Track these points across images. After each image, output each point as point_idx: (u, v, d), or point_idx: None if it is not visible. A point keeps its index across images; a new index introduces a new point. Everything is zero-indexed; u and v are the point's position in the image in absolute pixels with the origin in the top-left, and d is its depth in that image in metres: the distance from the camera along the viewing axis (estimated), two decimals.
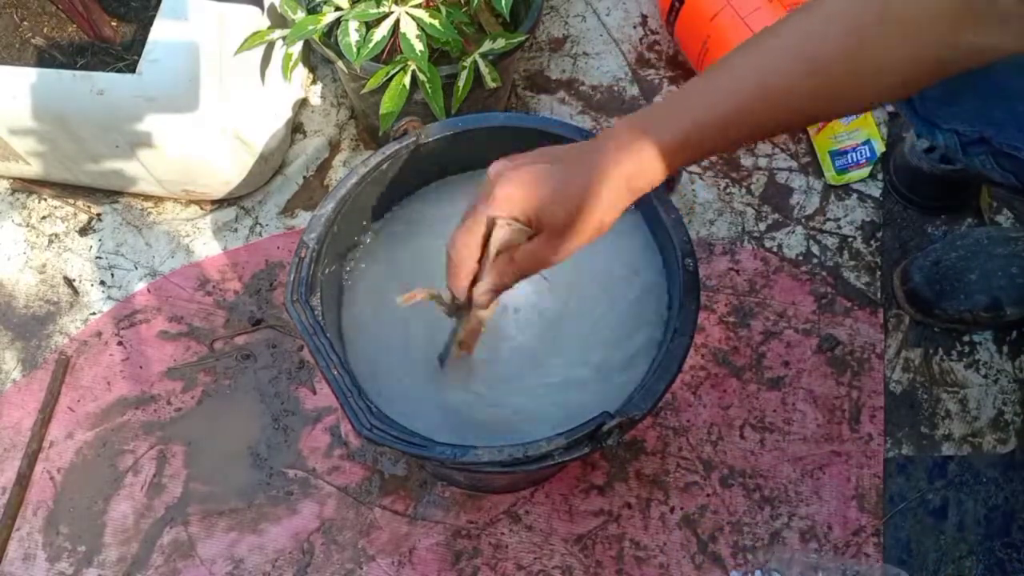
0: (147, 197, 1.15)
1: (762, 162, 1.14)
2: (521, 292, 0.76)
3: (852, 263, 1.06)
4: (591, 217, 0.57)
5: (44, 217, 1.15)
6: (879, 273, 1.06)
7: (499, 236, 0.58)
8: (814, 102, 0.55)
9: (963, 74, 0.65)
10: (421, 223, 0.85)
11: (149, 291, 1.09)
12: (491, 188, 0.58)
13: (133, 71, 0.96)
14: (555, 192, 0.57)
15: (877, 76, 0.53)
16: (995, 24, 0.49)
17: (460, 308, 0.67)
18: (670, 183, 1.12)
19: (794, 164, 1.14)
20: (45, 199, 1.16)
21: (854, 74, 0.53)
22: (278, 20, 1.08)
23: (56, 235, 1.14)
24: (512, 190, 0.57)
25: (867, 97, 0.56)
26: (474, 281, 0.61)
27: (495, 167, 0.59)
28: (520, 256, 0.59)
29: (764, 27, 0.57)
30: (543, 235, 0.58)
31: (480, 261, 0.60)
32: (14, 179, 1.17)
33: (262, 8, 1.06)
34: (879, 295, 1.04)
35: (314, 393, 1.01)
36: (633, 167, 0.57)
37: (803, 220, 1.10)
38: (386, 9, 0.95)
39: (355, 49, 0.94)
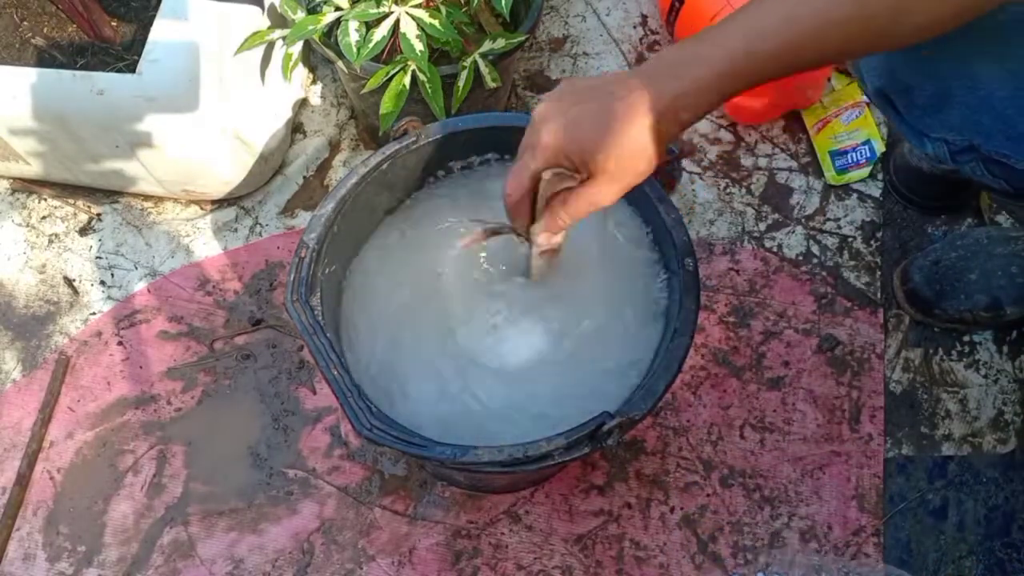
0: (147, 197, 1.15)
1: (762, 162, 1.14)
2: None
3: (852, 263, 1.06)
4: (639, 156, 0.57)
5: (44, 217, 1.15)
6: (879, 273, 1.06)
7: (544, 188, 0.60)
8: (857, 35, 0.54)
9: (950, 82, 0.65)
10: (421, 222, 0.85)
11: (149, 291, 1.09)
12: (536, 134, 0.59)
13: (133, 71, 0.96)
14: (599, 135, 0.56)
15: (923, 7, 0.52)
16: None
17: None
18: (670, 183, 1.12)
19: (794, 164, 1.14)
20: (45, 199, 1.16)
21: (902, 3, 0.52)
22: (278, 20, 1.08)
23: (56, 235, 1.14)
24: (556, 138, 0.58)
25: (913, 29, 0.54)
26: (532, 219, 0.63)
27: (540, 110, 0.60)
28: (572, 199, 0.60)
29: None
30: (593, 178, 0.58)
31: (534, 203, 0.62)
32: (14, 179, 1.17)
33: (262, 8, 1.06)
34: (879, 295, 1.04)
35: (314, 393, 1.01)
36: (675, 99, 0.56)
37: (803, 220, 1.10)
38: (386, 9, 0.95)
39: (355, 49, 0.94)
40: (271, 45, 1.09)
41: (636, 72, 0.58)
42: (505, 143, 0.83)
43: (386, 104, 0.97)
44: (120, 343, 1.05)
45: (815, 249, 1.08)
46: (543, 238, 0.64)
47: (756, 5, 0.56)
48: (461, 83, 0.98)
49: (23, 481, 0.97)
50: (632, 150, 0.56)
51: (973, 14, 0.53)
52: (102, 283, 1.10)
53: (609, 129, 0.56)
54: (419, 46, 0.94)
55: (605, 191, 0.59)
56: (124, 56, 1.02)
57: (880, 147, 1.12)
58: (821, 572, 0.81)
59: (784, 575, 0.82)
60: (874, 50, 0.61)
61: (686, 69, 0.56)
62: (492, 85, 1.00)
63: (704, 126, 1.17)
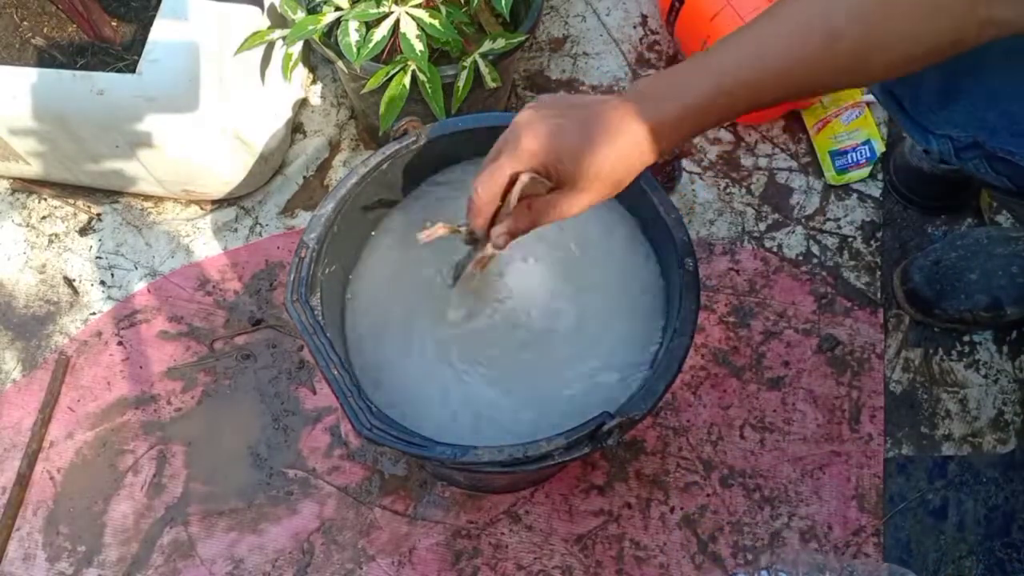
0: (147, 197, 1.15)
1: (762, 162, 1.14)
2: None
3: (852, 263, 1.06)
4: (611, 175, 0.58)
5: (44, 217, 1.15)
6: (879, 273, 1.06)
7: (520, 188, 0.60)
8: (826, 72, 0.55)
9: (956, 79, 0.65)
10: (420, 223, 0.85)
11: (149, 291, 1.09)
12: (517, 138, 0.59)
13: (133, 71, 0.96)
14: (577, 149, 0.58)
15: (895, 47, 0.53)
16: None
17: (477, 241, 0.69)
18: (670, 183, 1.12)
19: (794, 164, 1.14)
20: (45, 199, 1.16)
21: (869, 45, 0.53)
22: (278, 20, 1.08)
23: (56, 235, 1.14)
24: (537, 143, 0.59)
25: (881, 70, 0.56)
26: (493, 222, 0.64)
27: (523, 115, 0.61)
28: (538, 206, 0.61)
29: None
30: (563, 189, 0.60)
31: (500, 205, 0.62)
32: (14, 179, 1.17)
33: (262, 8, 1.06)
34: (879, 295, 1.04)
35: (314, 393, 1.01)
36: (654, 128, 0.58)
37: (803, 220, 1.10)
38: (386, 9, 0.95)
39: (355, 49, 0.94)
40: (271, 45, 1.09)
41: (617, 96, 0.60)
42: None
43: (386, 104, 0.97)
44: (120, 343, 1.05)
45: (815, 249, 1.08)
46: (502, 240, 0.64)
47: (727, 42, 0.57)
48: (461, 83, 0.98)
49: (23, 481, 0.97)
50: (609, 167, 0.58)
51: (948, 53, 0.54)
52: (102, 283, 1.10)
53: (592, 142, 0.58)
54: (419, 46, 0.94)
55: (574, 201, 0.60)
56: (124, 56, 1.02)
57: (880, 147, 1.12)
58: (824, 571, 0.81)
59: (787, 573, 0.82)
60: (847, 85, 0.63)
61: (662, 101, 0.57)
62: (492, 85, 1.00)
63: None
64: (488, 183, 0.61)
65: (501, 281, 0.78)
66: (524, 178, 0.59)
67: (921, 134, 0.70)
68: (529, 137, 0.59)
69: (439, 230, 0.70)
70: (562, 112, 0.60)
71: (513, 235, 0.63)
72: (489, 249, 0.68)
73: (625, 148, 0.58)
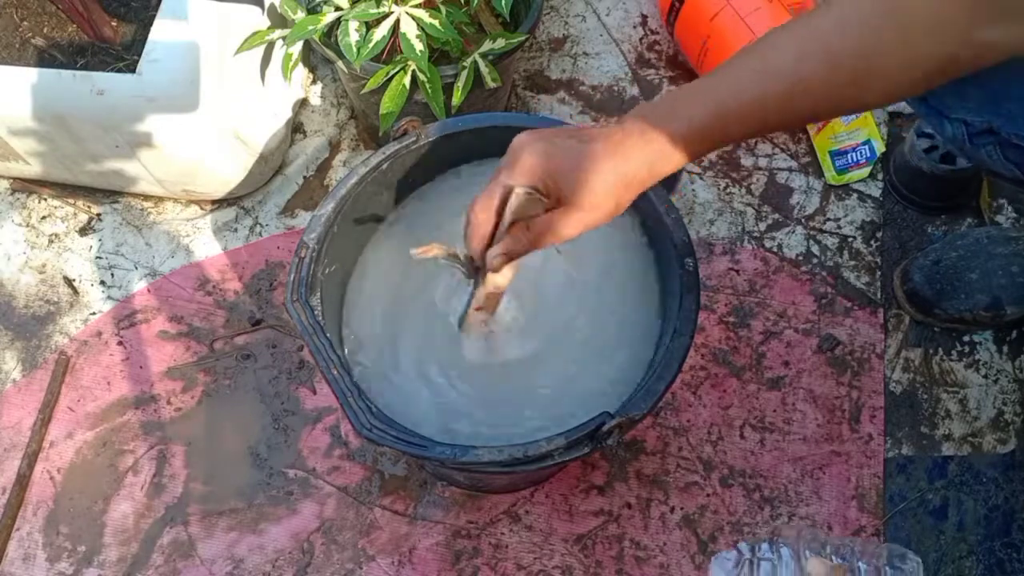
0: (147, 197, 1.15)
1: (762, 162, 1.14)
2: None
3: (852, 263, 1.06)
4: (609, 196, 0.58)
5: (44, 217, 1.15)
6: (879, 273, 1.06)
7: (515, 203, 0.59)
8: (828, 97, 0.56)
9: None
10: (421, 222, 0.85)
11: (149, 291, 1.09)
12: (515, 157, 0.60)
13: (133, 71, 0.96)
14: (576, 168, 0.58)
15: (893, 72, 0.53)
16: (1010, 19, 0.49)
17: (478, 270, 0.68)
18: (670, 183, 1.12)
19: (794, 164, 1.14)
20: (45, 199, 1.16)
21: (868, 70, 0.53)
22: (278, 20, 1.08)
23: (56, 235, 1.14)
24: (534, 160, 0.59)
25: (882, 94, 0.56)
26: (490, 245, 0.63)
27: (521, 138, 0.61)
28: (535, 226, 0.60)
29: (783, 23, 0.57)
30: (560, 208, 0.59)
31: (497, 226, 0.62)
32: (14, 179, 1.17)
33: (262, 8, 1.06)
34: (879, 295, 1.04)
35: (314, 393, 1.01)
36: (656, 151, 0.58)
37: (803, 220, 1.10)
38: (386, 9, 0.95)
39: (355, 49, 0.94)
40: (271, 45, 1.09)
41: (617, 122, 0.60)
42: (505, 144, 0.82)
43: (386, 104, 0.97)
44: (120, 343, 1.05)
45: (815, 249, 1.08)
46: (497, 261, 0.63)
47: (728, 67, 0.57)
48: (461, 83, 0.98)
49: (23, 481, 0.97)
50: (607, 189, 0.58)
51: (947, 77, 0.54)
52: (102, 283, 1.10)
53: (590, 163, 0.58)
54: (419, 46, 0.94)
55: (571, 222, 0.59)
56: (124, 56, 1.02)
57: (880, 147, 1.12)
58: (826, 545, 0.81)
59: (789, 547, 0.82)
60: (848, 111, 0.63)
61: (662, 125, 0.57)
62: (492, 85, 1.00)
63: None
64: (485, 200, 0.61)
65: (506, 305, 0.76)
66: (519, 191, 0.59)
67: (936, 118, 0.70)
68: (527, 154, 0.59)
69: (433, 249, 0.68)
70: (560, 133, 0.60)
71: (509, 256, 0.62)
72: (489, 282, 0.66)
73: (623, 168, 0.58)
